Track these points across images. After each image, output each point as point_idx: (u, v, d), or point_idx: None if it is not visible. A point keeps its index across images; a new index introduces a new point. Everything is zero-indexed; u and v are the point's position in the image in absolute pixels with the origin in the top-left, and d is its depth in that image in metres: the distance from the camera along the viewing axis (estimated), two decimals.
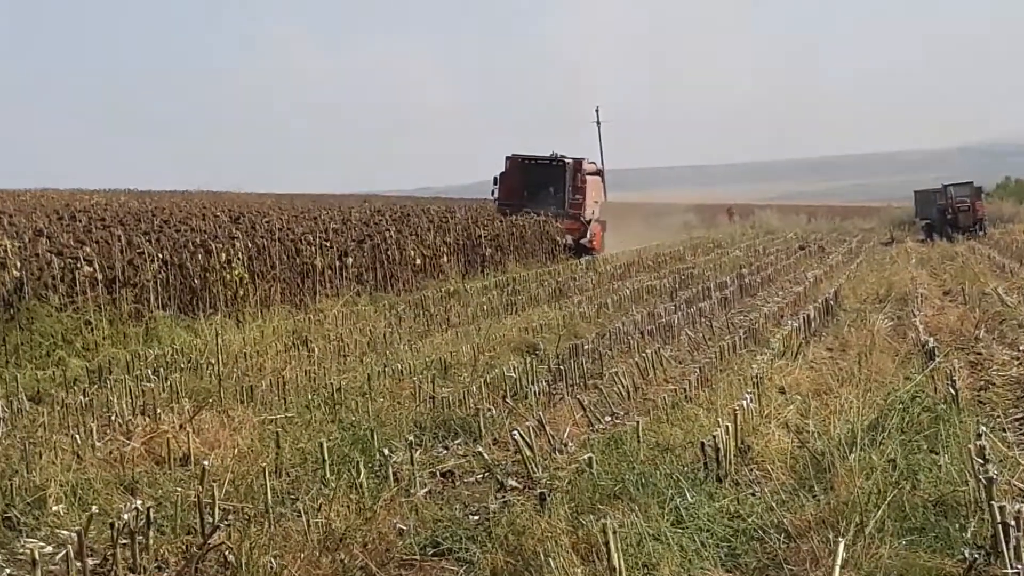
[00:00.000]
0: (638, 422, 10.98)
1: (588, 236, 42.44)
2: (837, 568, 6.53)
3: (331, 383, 14.30)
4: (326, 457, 10.06)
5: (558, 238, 40.88)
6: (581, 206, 43.45)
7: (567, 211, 42.94)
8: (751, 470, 9.85)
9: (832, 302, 21.00)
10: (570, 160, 43.98)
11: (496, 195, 44.46)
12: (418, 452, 10.52)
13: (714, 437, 9.53)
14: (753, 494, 9.01)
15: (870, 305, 21.58)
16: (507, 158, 44.63)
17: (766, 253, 39.10)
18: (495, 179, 44.62)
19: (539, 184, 43.78)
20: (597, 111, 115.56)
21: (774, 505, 8.47)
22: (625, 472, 9.24)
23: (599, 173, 47.04)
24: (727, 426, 9.75)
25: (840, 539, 6.81)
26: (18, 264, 18.85)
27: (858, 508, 7.89)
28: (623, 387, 13.75)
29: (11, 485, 9.60)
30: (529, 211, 41.07)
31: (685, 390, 13.19)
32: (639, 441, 10.49)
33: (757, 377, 13.21)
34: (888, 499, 7.98)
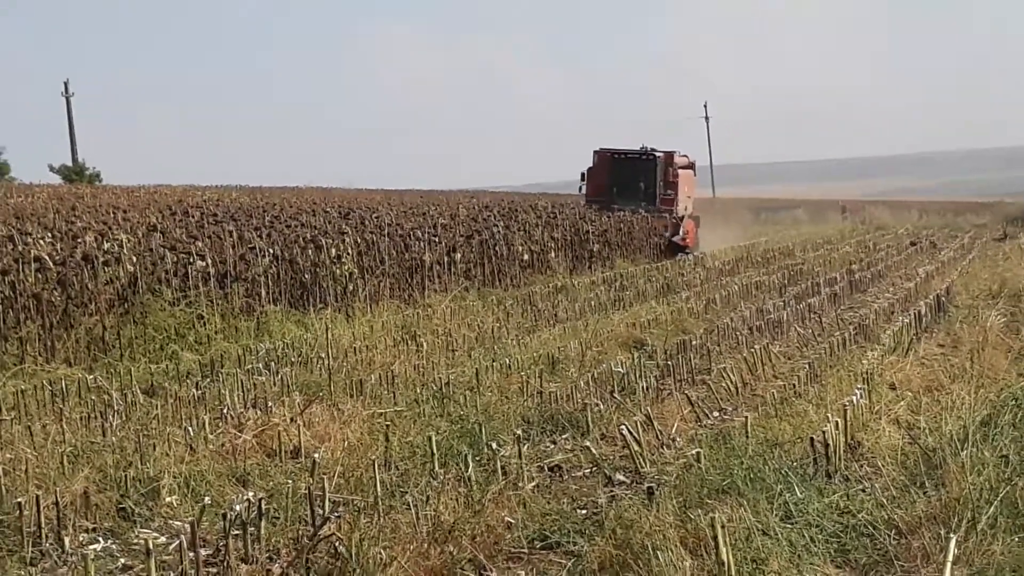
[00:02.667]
0: (746, 417, 10.95)
1: (680, 233, 40.64)
2: (948, 564, 6.48)
3: (439, 377, 14.37)
4: (435, 450, 10.13)
5: (664, 235, 39.82)
6: (673, 201, 42.04)
7: (658, 207, 41.58)
8: (861, 466, 9.79)
9: (944, 298, 20.75)
10: (661, 153, 42.40)
11: (584, 191, 43.18)
12: (526, 446, 10.55)
13: (824, 433, 9.49)
14: (863, 490, 8.95)
15: (982, 301, 21.27)
16: (595, 152, 43.10)
17: (876, 249, 38.62)
18: (582, 175, 43.30)
19: (628, 179, 42.31)
20: (705, 106, 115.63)
21: (884, 501, 8.41)
22: (733, 467, 9.22)
23: (691, 166, 45.06)
24: (837, 422, 9.70)
25: (952, 535, 6.76)
26: (133, 259, 19.14)
27: (970, 504, 7.81)
28: (731, 383, 13.69)
29: (126, 476, 9.75)
30: (618, 207, 39.99)
31: (794, 386, 13.12)
32: (747, 436, 10.46)
33: (867, 373, 13.10)
34: (1000, 495, 7.90)
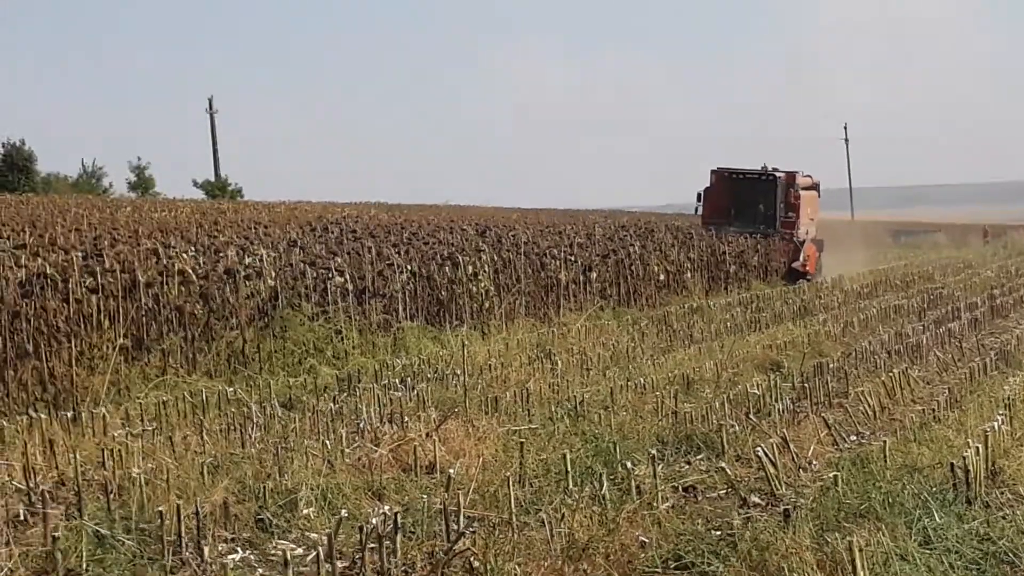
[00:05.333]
0: (885, 442, 10.83)
1: (801, 258, 38.78)
2: None
3: (574, 396, 14.38)
4: (569, 468, 10.15)
5: (785, 259, 38.12)
6: (794, 225, 39.54)
7: (778, 230, 39.16)
8: (1002, 493, 9.64)
9: None
10: (782, 174, 39.88)
11: (700, 212, 40.79)
12: (660, 466, 10.52)
13: (964, 458, 9.36)
14: (1004, 517, 8.81)
15: None
16: (712, 172, 40.68)
17: (1019, 274, 37.94)
18: (699, 195, 40.81)
19: (747, 200, 40.00)
20: (845, 128, 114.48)
21: None
22: (871, 491, 9.13)
23: (815, 187, 42.27)
24: (977, 447, 9.56)
25: None
26: (273, 274, 19.40)
27: None
28: (869, 406, 13.55)
29: (264, 488, 9.88)
30: (736, 230, 37.95)
31: (933, 411, 12.95)
32: (886, 461, 10.35)
33: (1009, 399, 12.91)
34: None
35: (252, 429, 12.43)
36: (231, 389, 15.07)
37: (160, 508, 8.66)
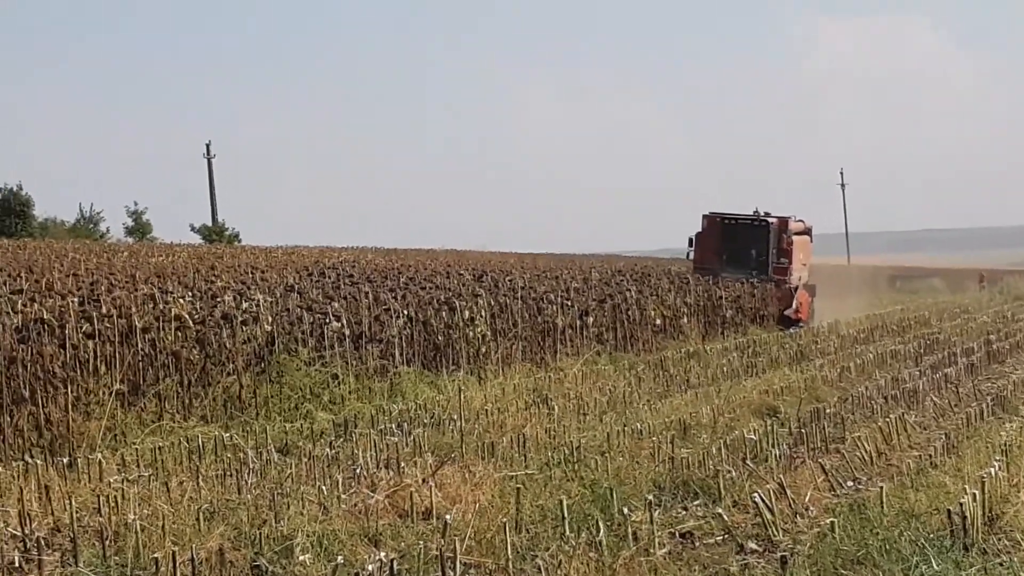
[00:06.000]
0: (882, 488, 10.84)
1: (794, 305, 38.25)
2: None
3: (571, 441, 14.38)
4: (565, 514, 10.13)
5: (775, 307, 37.60)
6: (787, 271, 39.00)
7: (771, 276, 38.64)
8: (999, 539, 9.63)
9: None
10: (774, 219, 39.35)
11: (692, 257, 40.32)
12: (657, 512, 10.51)
13: (961, 505, 9.36)
14: (1002, 564, 8.80)
15: None
16: (704, 216, 40.30)
17: (1015, 319, 37.96)
18: (690, 240, 40.37)
19: (739, 246, 39.46)
20: (841, 173, 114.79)
21: None
22: (868, 537, 9.13)
23: (807, 232, 41.68)
24: (974, 494, 9.56)
25: None
26: (269, 319, 19.40)
27: None
28: (866, 452, 13.54)
29: (260, 534, 9.87)
30: (728, 275, 37.53)
31: (930, 456, 12.96)
32: (883, 507, 10.35)
33: (1006, 445, 12.91)
34: None
35: (248, 475, 12.42)
36: (227, 435, 15.06)
37: (156, 555, 8.66)
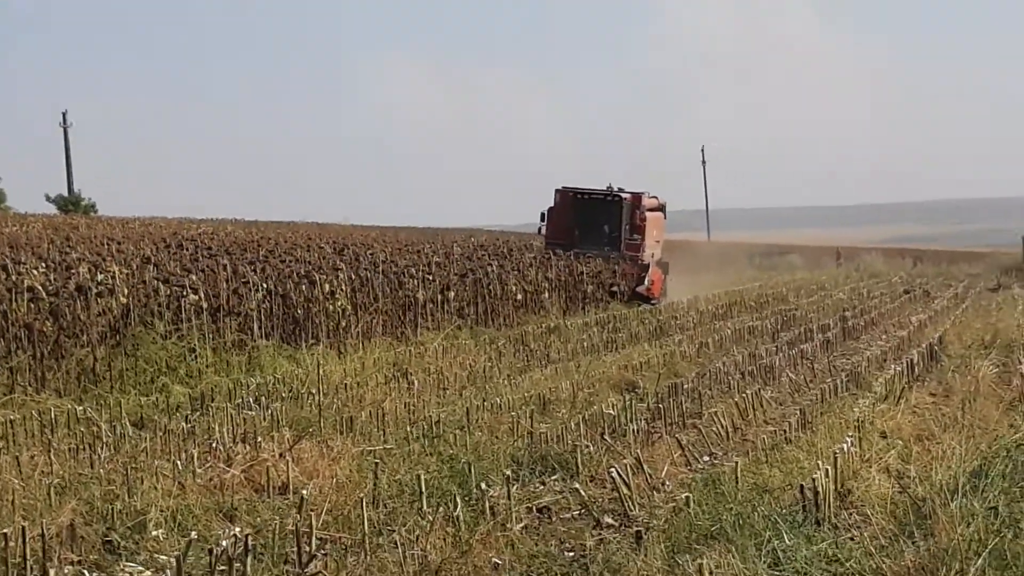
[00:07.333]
0: (737, 463, 10.94)
1: (646, 283, 37.29)
2: None
3: (430, 416, 14.37)
4: (423, 489, 10.12)
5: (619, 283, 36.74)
6: (639, 247, 38.52)
7: (623, 252, 38.03)
8: (851, 514, 9.78)
9: (936, 347, 20.73)
10: (628, 194, 38.80)
11: (543, 232, 39.98)
12: (515, 487, 10.54)
13: (813, 480, 9.48)
14: (852, 538, 8.93)
15: (975, 351, 21.22)
16: (557, 191, 39.52)
17: (870, 296, 38.54)
18: (542, 214, 39.86)
19: (592, 221, 38.86)
20: (703, 150, 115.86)
21: (873, 550, 8.38)
22: (722, 512, 9.21)
23: (661, 208, 41.22)
24: (827, 469, 9.69)
25: None
26: (125, 291, 19.10)
27: (959, 556, 7.79)
28: (722, 427, 13.68)
29: (112, 509, 9.73)
30: (580, 252, 36.83)
31: (785, 432, 13.12)
32: (737, 482, 10.45)
33: (859, 421, 13.10)
34: (990, 547, 7.88)
35: (102, 449, 12.23)
36: (81, 408, 14.79)
37: (5, 530, 8.47)
